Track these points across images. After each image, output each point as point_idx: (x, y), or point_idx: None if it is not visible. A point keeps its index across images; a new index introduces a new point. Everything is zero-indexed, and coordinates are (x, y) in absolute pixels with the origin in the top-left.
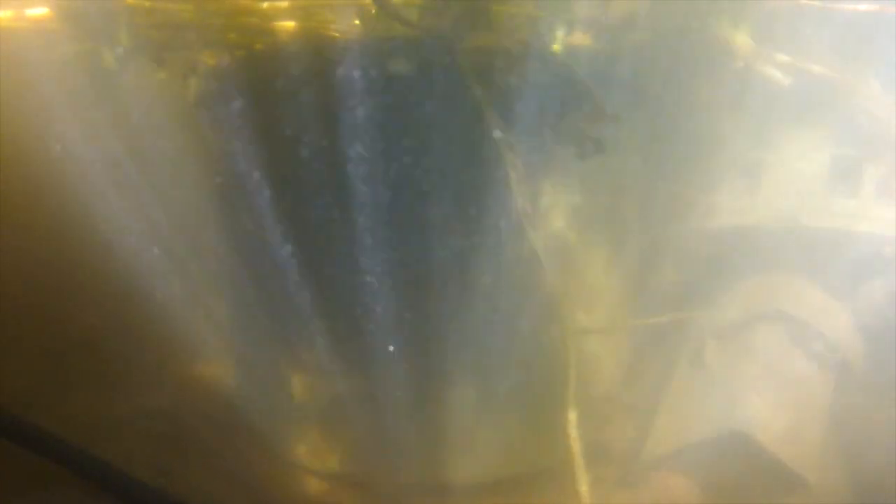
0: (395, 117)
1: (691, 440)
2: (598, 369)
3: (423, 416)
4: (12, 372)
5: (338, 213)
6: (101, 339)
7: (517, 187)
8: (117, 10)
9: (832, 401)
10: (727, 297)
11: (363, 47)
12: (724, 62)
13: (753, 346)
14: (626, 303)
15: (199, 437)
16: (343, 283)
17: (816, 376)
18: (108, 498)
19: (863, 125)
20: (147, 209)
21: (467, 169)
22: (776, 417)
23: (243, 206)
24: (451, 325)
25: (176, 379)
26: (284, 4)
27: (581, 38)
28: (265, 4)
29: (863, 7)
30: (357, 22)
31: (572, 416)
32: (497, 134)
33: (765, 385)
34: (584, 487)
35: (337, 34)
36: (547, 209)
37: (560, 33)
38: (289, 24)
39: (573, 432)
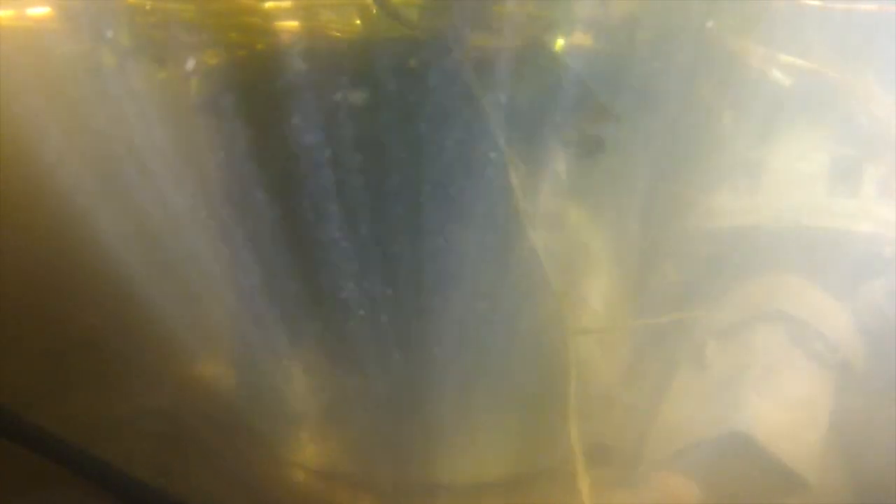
0: (395, 117)
1: (692, 440)
2: (598, 369)
3: (423, 416)
4: (12, 372)
5: (337, 213)
6: (101, 339)
7: (518, 187)
8: (118, 10)
9: (833, 401)
10: (727, 298)
11: (364, 47)
12: (724, 62)
13: (754, 347)
14: (627, 303)
15: (199, 436)
16: (343, 283)
17: (817, 376)
18: (109, 497)
19: (864, 125)
20: (147, 209)
21: (467, 168)
22: (776, 418)
23: (244, 207)
24: (451, 325)
25: (176, 379)
26: (286, 4)
27: (582, 38)
28: (266, 4)
29: (864, 7)
30: (358, 22)
31: (573, 416)
32: (497, 134)
33: (765, 385)
34: (584, 487)
35: (338, 34)
36: (547, 209)
37: (561, 33)
38: (290, 24)
39: (573, 432)
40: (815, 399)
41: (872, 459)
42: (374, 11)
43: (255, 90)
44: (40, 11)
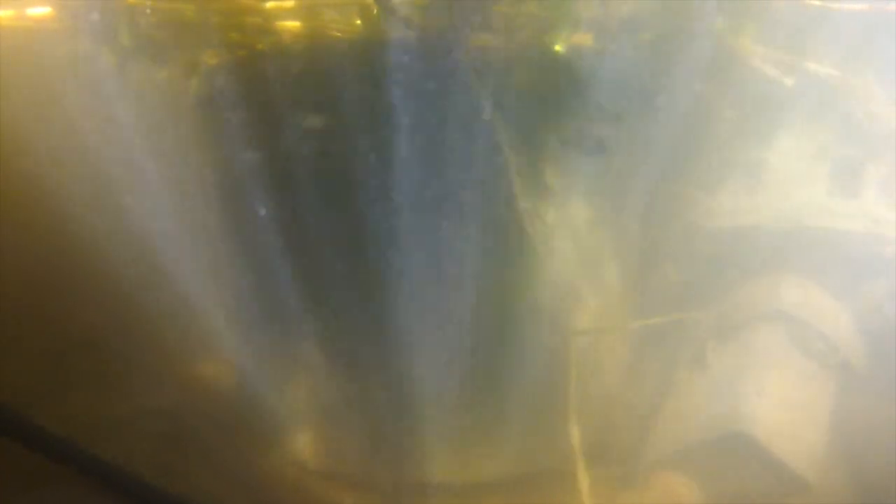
0: (396, 117)
1: (692, 440)
2: (599, 370)
3: (424, 417)
4: (12, 372)
5: (339, 213)
6: (101, 338)
7: (518, 186)
8: (119, 10)
9: (833, 401)
10: (728, 298)
11: (365, 47)
12: (725, 62)
13: (754, 347)
14: (628, 303)
15: (199, 436)
16: (344, 283)
17: (817, 377)
18: (109, 496)
19: (864, 125)
20: (148, 208)
21: (469, 168)
22: (777, 417)
23: (245, 206)
24: (452, 325)
25: (176, 379)
26: (286, 4)
27: (583, 39)
28: (267, 4)
29: (864, 7)
30: (359, 22)
31: (573, 416)
32: (498, 133)
33: (766, 385)
34: (585, 487)
35: (339, 34)
36: (549, 208)
37: (562, 33)
38: (291, 24)
39: (574, 432)
40: (816, 399)
41: (873, 459)
42: (375, 11)
43: (256, 89)
44: (41, 11)
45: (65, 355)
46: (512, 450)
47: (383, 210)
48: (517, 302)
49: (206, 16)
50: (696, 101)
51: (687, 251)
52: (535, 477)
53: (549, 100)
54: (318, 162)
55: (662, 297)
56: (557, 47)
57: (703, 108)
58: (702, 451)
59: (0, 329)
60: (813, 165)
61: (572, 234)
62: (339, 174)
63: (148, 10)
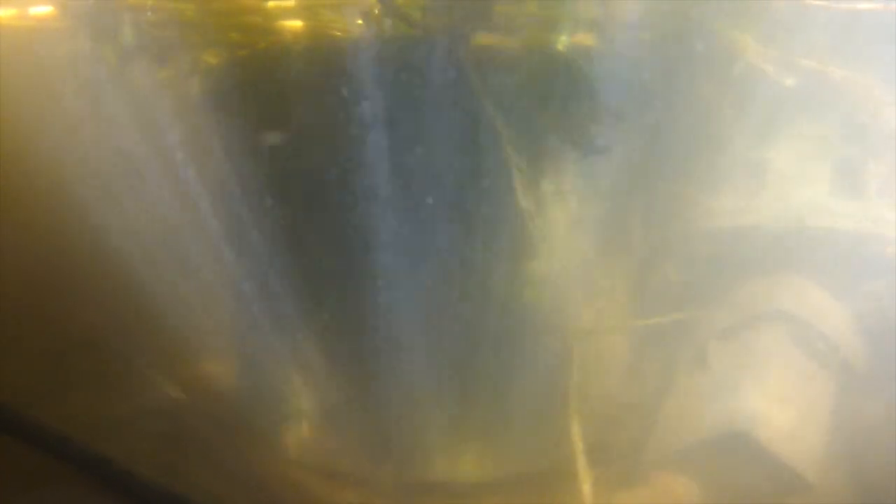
0: (397, 116)
1: (693, 440)
2: (600, 369)
3: (424, 416)
4: (12, 372)
5: (340, 213)
6: (101, 338)
7: (520, 186)
8: (120, 9)
9: (834, 401)
10: (729, 298)
11: (366, 46)
12: (726, 62)
13: (755, 347)
14: (629, 303)
15: (199, 436)
16: (344, 282)
17: (818, 377)
18: (110, 495)
19: (865, 125)
20: (149, 208)
21: (470, 168)
22: (778, 418)
23: (245, 205)
24: (452, 325)
25: (177, 378)
26: (287, 3)
27: (585, 38)
28: (268, 3)
29: (866, 6)
30: (360, 21)
31: (574, 415)
32: (500, 132)
33: (766, 385)
34: (586, 487)
35: (340, 33)
36: (550, 208)
37: (564, 33)
38: (292, 24)
39: (575, 432)
40: (816, 399)
41: (873, 459)
42: (377, 11)
43: (257, 89)
44: (42, 10)
45: (65, 355)
46: (512, 449)
47: (383, 209)
48: (517, 301)
49: (206, 15)
50: (696, 100)
51: (688, 251)
52: (536, 477)
53: (550, 99)
54: (319, 161)
55: (662, 296)
56: (560, 47)
57: (704, 108)
58: (702, 450)
59: (0, 329)
60: (814, 165)
61: (572, 234)
62: (340, 173)
63: (149, 10)
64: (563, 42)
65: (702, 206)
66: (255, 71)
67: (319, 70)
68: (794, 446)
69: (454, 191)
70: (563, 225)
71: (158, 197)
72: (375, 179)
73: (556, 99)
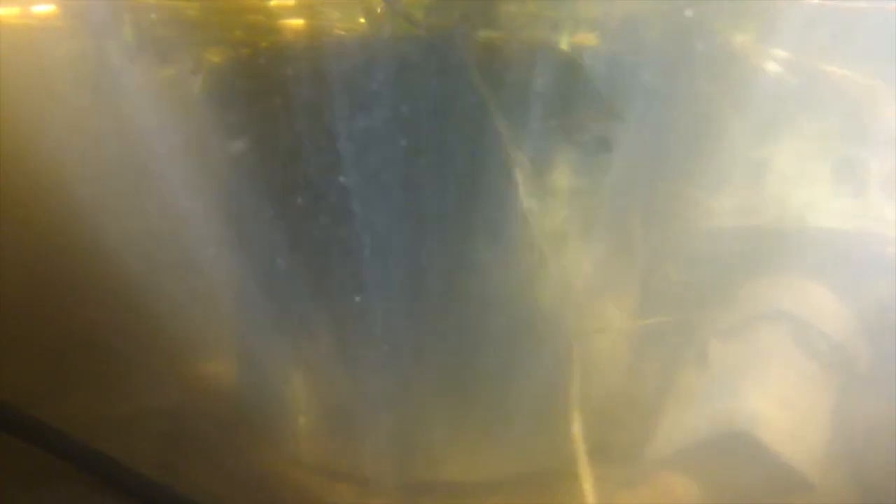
0: (399, 115)
1: (694, 440)
2: (601, 369)
3: (425, 416)
4: (12, 371)
5: (341, 212)
6: (102, 338)
7: (523, 185)
8: (123, 8)
9: (835, 401)
10: (729, 298)
11: (368, 45)
12: (728, 61)
13: (755, 347)
14: (630, 302)
15: (201, 435)
16: (345, 282)
17: (820, 377)
18: (112, 493)
19: (867, 124)
20: (149, 208)
21: (473, 167)
22: (779, 418)
23: (247, 205)
24: (453, 325)
25: (179, 378)
26: (290, 2)
27: (587, 37)
28: (271, 2)
29: (867, 5)
30: (363, 20)
31: (576, 415)
32: (503, 132)
33: (768, 385)
34: (587, 487)
35: (342, 32)
36: (552, 207)
37: (566, 32)
38: (294, 22)
39: (577, 432)
40: (818, 399)
41: (874, 459)
42: (380, 10)
43: (260, 87)
44: (44, 9)
45: (65, 354)
46: (514, 449)
47: (383, 209)
48: (518, 301)
49: (209, 14)
50: (697, 100)
51: (689, 251)
52: (537, 476)
53: (552, 98)
54: (320, 161)
55: (663, 296)
56: (562, 46)
57: (705, 108)
58: (702, 450)
59: (0, 329)
60: (814, 165)
61: (573, 234)
62: (342, 173)
63: (151, 9)
64: (566, 41)
65: (702, 206)
66: (258, 69)
67: (321, 69)
68: (795, 446)
69: (455, 190)
70: (564, 225)
71: (160, 197)
72: (376, 179)
73: (559, 97)
